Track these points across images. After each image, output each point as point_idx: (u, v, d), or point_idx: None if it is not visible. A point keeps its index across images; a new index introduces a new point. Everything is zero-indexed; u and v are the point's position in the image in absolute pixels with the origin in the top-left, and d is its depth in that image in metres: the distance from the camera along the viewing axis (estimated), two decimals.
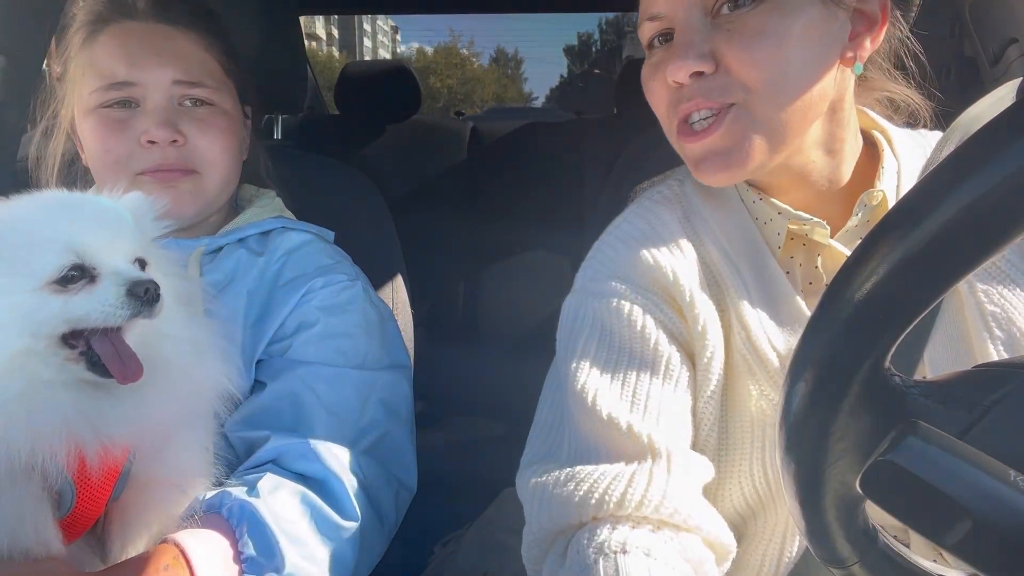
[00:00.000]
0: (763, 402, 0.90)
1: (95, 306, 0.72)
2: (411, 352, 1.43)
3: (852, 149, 0.95)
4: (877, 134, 0.99)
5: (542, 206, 2.61)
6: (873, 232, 0.50)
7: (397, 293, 1.39)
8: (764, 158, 0.90)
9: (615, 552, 0.74)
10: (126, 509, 0.82)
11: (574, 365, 0.90)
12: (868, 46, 0.90)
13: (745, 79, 0.86)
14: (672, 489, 0.79)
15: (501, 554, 1.28)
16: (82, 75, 1.13)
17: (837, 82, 0.90)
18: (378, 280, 1.23)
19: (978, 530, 0.47)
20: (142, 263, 0.77)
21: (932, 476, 0.49)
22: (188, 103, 1.12)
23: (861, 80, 0.95)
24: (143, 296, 0.72)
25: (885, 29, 0.90)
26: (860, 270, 0.50)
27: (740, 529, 0.95)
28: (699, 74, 0.87)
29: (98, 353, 0.73)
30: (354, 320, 1.12)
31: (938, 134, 1.02)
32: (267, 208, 1.24)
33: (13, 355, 0.70)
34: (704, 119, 0.89)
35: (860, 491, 0.53)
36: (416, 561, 1.43)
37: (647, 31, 0.94)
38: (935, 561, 0.59)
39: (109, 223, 0.77)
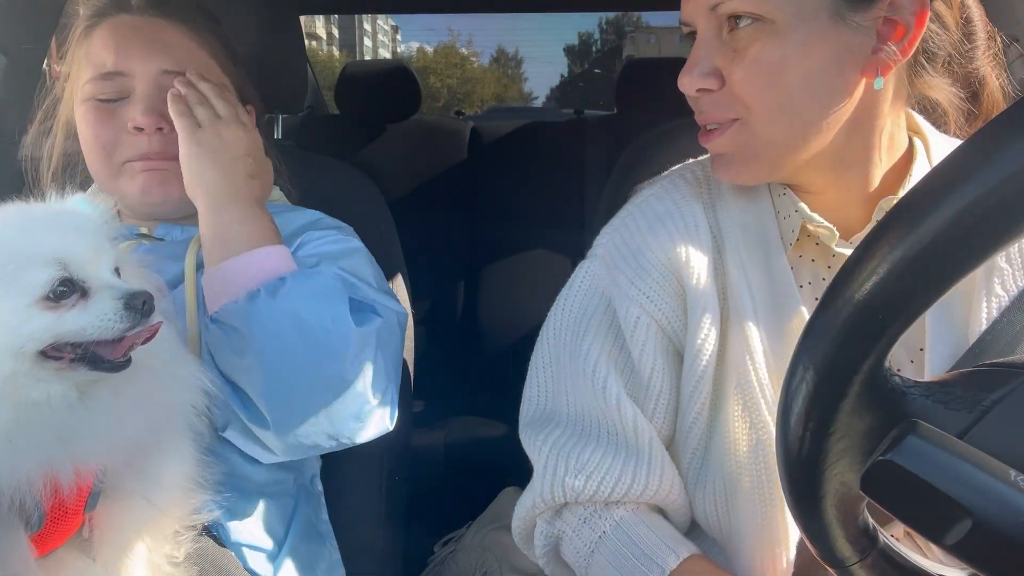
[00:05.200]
0: (754, 433, 0.91)
1: (92, 320, 0.71)
2: (411, 352, 1.43)
3: (885, 157, 0.94)
4: (917, 140, 0.98)
5: (542, 206, 2.61)
6: (874, 232, 0.50)
7: (397, 293, 1.39)
8: (768, 171, 0.94)
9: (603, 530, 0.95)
10: (105, 521, 0.80)
11: (588, 343, 0.99)
12: (896, 57, 0.86)
13: (745, 101, 0.89)
14: (659, 484, 0.94)
15: (501, 554, 1.28)
16: (79, 68, 1.14)
17: (861, 96, 0.88)
18: None
19: (978, 530, 0.47)
20: (116, 270, 0.76)
21: (932, 476, 0.49)
22: None
23: (913, 75, 0.92)
24: (141, 308, 0.72)
25: (920, 37, 0.86)
26: (860, 270, 0.50)
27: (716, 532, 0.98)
28: (706, 90, 0.91)
29: (103, 355, 0.72)
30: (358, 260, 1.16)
31: None
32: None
33: (3, 379, 0.69)
34: (713, 128, 0.94)
35: (860, 491, 0.53)
36: (416, 561, 1.43)
37: (684, 29, 0.97)
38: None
39: (91, 233, 0.75)
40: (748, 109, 0.89)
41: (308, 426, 1.00)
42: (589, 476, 0.94)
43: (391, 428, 1.09)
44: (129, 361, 0.74)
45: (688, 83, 0.92)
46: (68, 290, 0.71)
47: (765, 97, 0.88)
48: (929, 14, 0.85)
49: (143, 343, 0.74)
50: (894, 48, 0.86)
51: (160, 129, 1.09)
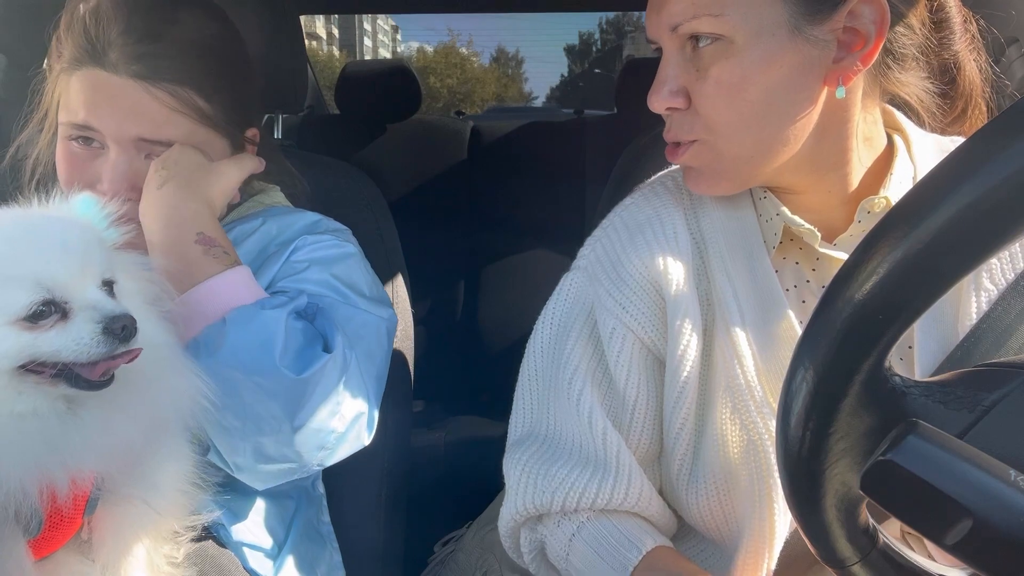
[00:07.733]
0: (745, 434, 0.91)
1: (68, 343, 0.69)
2: (411, 352, 1.43)
3: (863, 157, 0.94)
4: (897, 137, 0.97)
5: (542, 206, 2.61)
6: (873, 232, 0.50)
7: (397, 293, 1.39)
8: (737, 183, 0.95)
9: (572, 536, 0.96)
10: (104, 524, 0.80)
11: (567, 354, 1.00)
12: (858, 66, 0.86)
13: (709, 121, 0.90)
14: (626, 494, 0.95)
15: (501, 554, 1.28)
16: (58, 103, 1.10)
17: (824, 104, 0.88)
18: None
19: (978, 530, 0.47)
20: (110, 283, 0.75)
21: (932, 476, 0.49)
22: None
23: (880, 75, 0.91)
24: (120, 333, 0.71)
25: (881, 45, 0.86)
26: (860, 270, 0.50)
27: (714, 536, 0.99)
28: (674, 108, 0.92)
29: (84, 376, 0.71)
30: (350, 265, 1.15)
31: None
32: (269, 199, 1.25)
33: None
34: (679, 144, 0.95)
35: (860, 491, 0.53)
36: (416, 561, 1.43)
37: (652, 47, 0.97)
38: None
39: (77, 247, 0.73)
40: (710, 130, 0.90)
41: (270, 465, 0.98)
42: (555, 492, 0.95)
43: (367, 443, 1.07)
44: (111, 379, 0.73)
45: (657, 102, 0.93)
46: (48, 311, 0.69)
47: (727, 115, 0.89)
48: (890, 20, 0.85)
49: (125, 363, 0.73)
50: (855, 58, 0.86)
51: (130, 199, 1.03)
